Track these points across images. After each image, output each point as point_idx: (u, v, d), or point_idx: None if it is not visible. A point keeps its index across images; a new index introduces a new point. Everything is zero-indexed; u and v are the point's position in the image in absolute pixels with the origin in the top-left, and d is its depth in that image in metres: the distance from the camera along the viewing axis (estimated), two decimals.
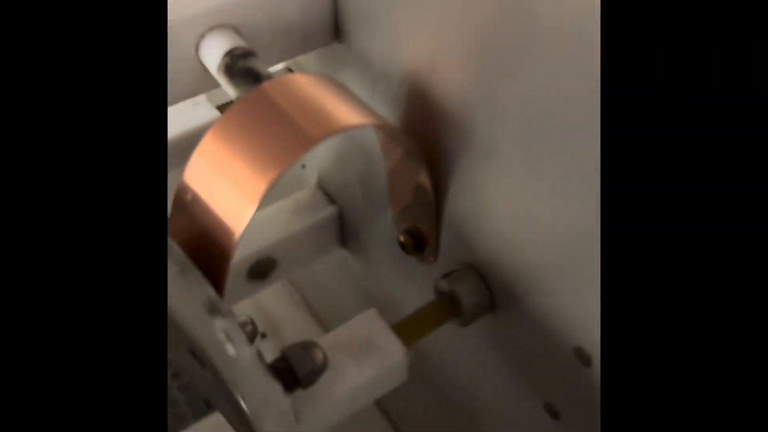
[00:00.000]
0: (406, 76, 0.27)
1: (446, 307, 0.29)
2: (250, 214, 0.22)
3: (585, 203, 0.22)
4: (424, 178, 0.29)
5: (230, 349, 0.20)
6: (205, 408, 0.54)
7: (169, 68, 0.27)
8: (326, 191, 0.40)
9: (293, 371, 0.24)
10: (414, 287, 0.36)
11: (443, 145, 0.27)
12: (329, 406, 0.25)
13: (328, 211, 0.40)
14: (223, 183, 0.23)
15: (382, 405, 0.49)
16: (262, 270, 0.40)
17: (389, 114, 0.29)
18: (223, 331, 0.20)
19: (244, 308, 0.52)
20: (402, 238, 0.32)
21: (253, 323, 0.31)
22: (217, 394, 0.27)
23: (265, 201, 0.48)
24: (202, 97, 0.37)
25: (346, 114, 0.23)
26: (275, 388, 0.23)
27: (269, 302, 0.54)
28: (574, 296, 0.25)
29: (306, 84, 0.24)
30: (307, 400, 0.25)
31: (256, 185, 0.22)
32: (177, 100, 0.28)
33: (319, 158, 0.40)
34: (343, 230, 0.41)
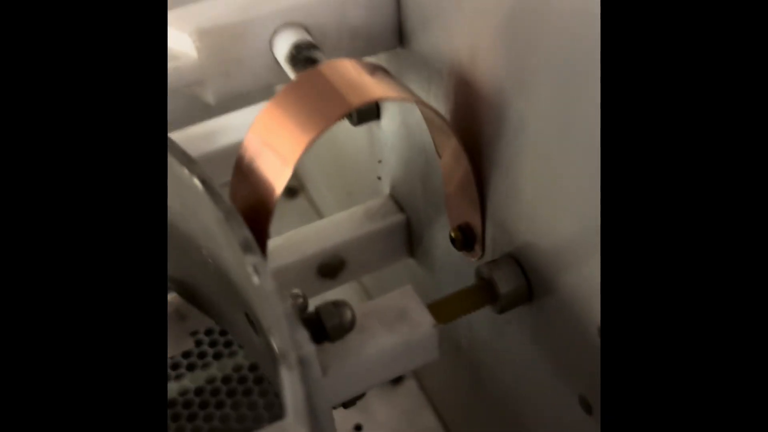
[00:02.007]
0: (452, 70, 0.29)
1: (483, 291, 0.30)
2: (288, 173, 0.25)
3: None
4: (467, 168, 0.30)
5: (255, 280, 0.23)
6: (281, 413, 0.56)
7: (245, 61, 0.31)
8: (396, 200, 0.43)
9: (322, 322, 0.26)
10: None
11: (483, 132, 0.29)
12: (356, 365, 0.27)
13: (397, 218, 0.42)
14: (269, 149, 0.26)
15: (434, 404, 0.49)
16: (331, 269, 0.43)
17: (442, 111, 0.32)
18: (251, 265, 0.23)
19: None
20: (453, 234, 0.34)
21: (304, 297, 0.34)
22: (268, 362, 0.29)
23: (341, 204, 0.51)
24: None
25: (386, 88, 0.26)
26: (302, 331, 0.25)
27: None
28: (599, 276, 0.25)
29: (358, 66, 0.27)
30: (335, 355, 0.27)
31: (295, 147, 0.25)
32: (252, 93, 0.32)
33: (391, 168, 0.42)
34: (411, 239, 0.43)
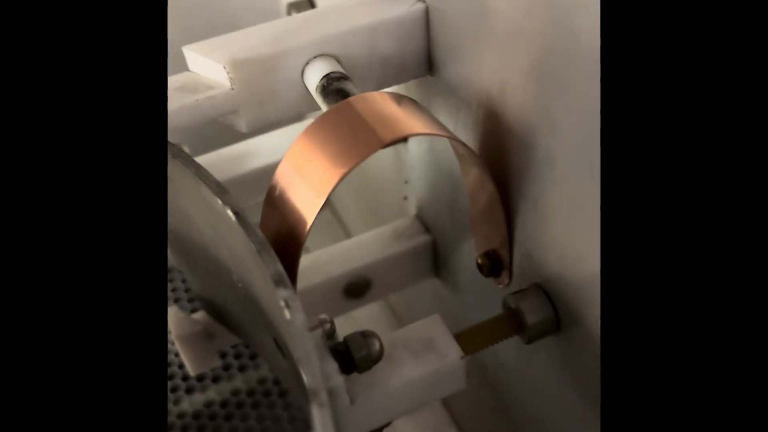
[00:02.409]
0: (481, 101, 0.30)
1: (510, 322, 0.30)
2: (319, 205, 0.25)
3: None
4: (495, 199, 0.30)
5: (287, 314, 0.23)
6: (303, 427, 0.57)
7: (278, 91, 0.31)
8: (423, 221, 0.43)
9: (350, 353, 0.26)
10: (494, 313, 0.37)
11: (511, 164, 0.29)
12: (383, 395, 0.27)
13: (423, 239, 0.42)
14: (302, 180, 0.26)
15: (458, 424, 0.50)
16: (357, 289, 0.43)
17: (469, 139, 0.32)
18: (283, 300, 0.23)
19: (341, 325, 0.56)
20: (479, 260, 0.34)
21: (331, 322, 0.34)
22: (295, 386, 0.30)
23: (374, 227, 0.51)
24: None
25: (415, 123, 0.26)
26: (331, 363, 0.25)
27: (366, 324, 0.58)
28: None
29: (387, 100, 0.27)
30: (362, 385, 0.27)
31: (328, 180, 0.25)
32: (283, 121, 0.33)
33: (418, 190, 0.43)
34: (437, 259, 0.43)
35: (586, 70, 0.22)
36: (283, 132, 0.40)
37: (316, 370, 0.21)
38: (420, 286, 0.47)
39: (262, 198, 0.40)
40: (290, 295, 0.24)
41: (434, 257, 0.43)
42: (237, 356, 0.61)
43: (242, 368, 0.61)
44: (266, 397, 0.58)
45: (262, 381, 0.60)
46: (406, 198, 0.45)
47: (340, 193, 0.66)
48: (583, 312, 0.28)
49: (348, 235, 0.63)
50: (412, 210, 0.44)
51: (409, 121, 0.27)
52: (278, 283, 0.24)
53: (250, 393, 0.59)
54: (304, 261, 0.42)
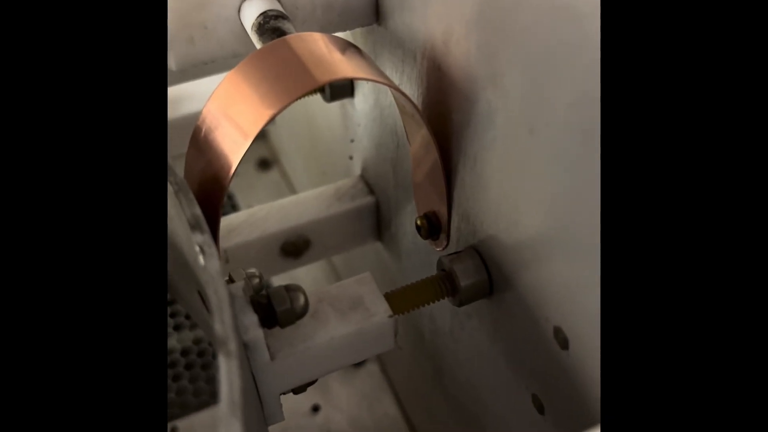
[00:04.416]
0: (426, 52, 0.28)
1: (443, 283, 0.29)
2: (246, 146, 0.24)
3: (579, 171, 0.22)
4: (435, 156, 0.29)
5: (201, 260, 0.22)
6: None
7: (211, 27, 0.29)
8: (367, 182, 0.42)
9: (272, 307, 0.25)
10: None
11: (453, 120, 0.28)
12: (306, 352, 0.26)
13: (366, 200, 0.41)
14: (229, 122, 0.25)
15: (395, 390, 0.49)
16: (295, 248, 0.42)
17: (414, 94, 0.31)
18: (198, 245, 0.22)
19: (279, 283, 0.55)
20: (418, 222, 0.33)
21: (260, 277, 0.33)
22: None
23: (313, 181, 0.49)
24: None
25: (355, 68, 0.25)
26: (251, 315, 0.24)
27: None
28: (560, 272, 0.24)
29: (328, 42, 0.26)
30: (284, 341, 0.26)
31: (255, 120, 0.24)
32: (216, 58, 0.31)
33: (363, 149, 0.41)
34: (380, 223, 0.42)
35: (532, 18, 0.21)
36: (217, 79, 0.38)
37: (226, 318, 0.20)
38: (364, 250, 0.45)
39: None
40: (206, 240, 0.22)
41: (377, 220, 0.42)
42: (173, 315, 0.60)
43: (178, 327, 0.59)
44: (201, 357, 0.57)
45: (197, 341, 0.58)
46: (351, 158, 0.44)
47: (288, 153, 0.64)
48: (516, 275, 0.27)
49: None
50: (357, 170, 0.43)
51: (348, 65, 0.25)
52: (194, 227, 0.23)
53: (185, 353, 0.57)
54: (242, 216, 0.41)
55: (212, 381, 0.56)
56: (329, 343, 0.26)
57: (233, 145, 0.24)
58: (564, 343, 0.24)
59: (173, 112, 0.35)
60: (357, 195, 0.42)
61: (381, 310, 0.27)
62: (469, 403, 0.36)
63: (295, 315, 0.26)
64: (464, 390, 0.37)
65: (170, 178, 0.23)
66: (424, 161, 0.31)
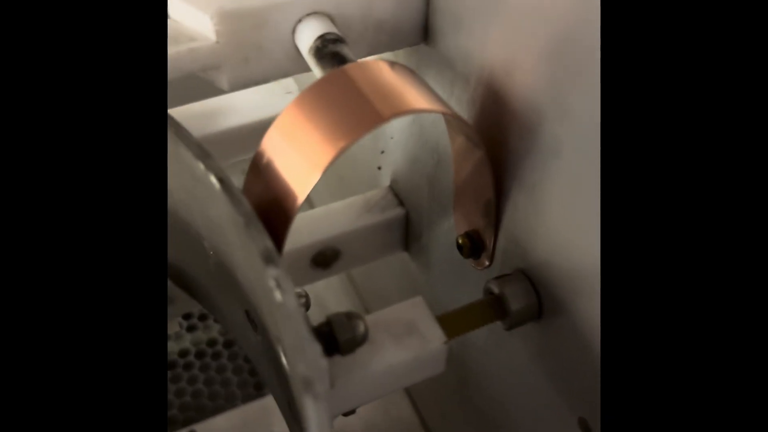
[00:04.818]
0: (482, 78, 0.28)
1: (493, 307, 0.29)
2: (314, 181, 0.24)
3: None
4: (488, 180, 0.29)
5: (278, 296, 0.22)
6: (253, 392, 0.56)
7: (265, 48, 0.29)
8: (397, 193, 0.42)
9: (334, 335, 0.25)
10: (467, 293, 0.36)
11: (510, 147, 0.28)
12: (364, 379, 0.26)
13: (396, 212, 0.41)
14: (294, 151, 0.25)
15: (411, 397, 0.49)
16: (325, 259, 0.42)
17: (463, 114, 0.31)
18: (274, 279, 0.22)
19: None
20: (460, 240, 0.33)
21: (306, 296, 0.33)
22: (264, 361, 0.28)
23: (339, 195, 0.50)
24: (294, 87, 0.40)
25: (417, 99, 0.25)
26: (315, 345, 0.24)
27: (328, 298, 0.56)
28: None
29: (386, 70, 0.26)
30: (344, 368, 0.26)
31: (323, 155, 0.24)
32: (268, 79, 0.30)
33: (394, 161, 0.41)
34: (408, 234, 0.42)
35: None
36: (260, 89, 0.38)
37: (311, 357, 0.20)
38: (386, 259, 0.46)
39: (234, 159, 0.38)
40: (281, 274, 0.22)
41: (405, 231, 0.42)
42: (186, 317, 0.59)
43: (191, 328, 0.59)
44: (215, 359, 0.57)
45: (211, 343, 0.58)
46: (380, 168, 0.44)
47: None
48: (570, 301, 0.27)
49: (310, 202, 0.61)
50: (385, 181, 0.43)
51: (409, 95, 0.25)
52: (268, 260, 0.22)
53: (199, 355, 0.57)
54: None
55: (227, 384, 0.56)
56: (387, 370, 0.26)
57: (300, 177, 0.24)
58: None
59: (214, 125, 0.35)
60: (387, 206, 0.42)
61: (436, 336, 0.27)
62: (493, 414, 0.37)
63: (356, 343, 0.26)
64: (490, 406, 0.37)
65: (238, 209, 0.23)
66: (471, 182, 0.31)
